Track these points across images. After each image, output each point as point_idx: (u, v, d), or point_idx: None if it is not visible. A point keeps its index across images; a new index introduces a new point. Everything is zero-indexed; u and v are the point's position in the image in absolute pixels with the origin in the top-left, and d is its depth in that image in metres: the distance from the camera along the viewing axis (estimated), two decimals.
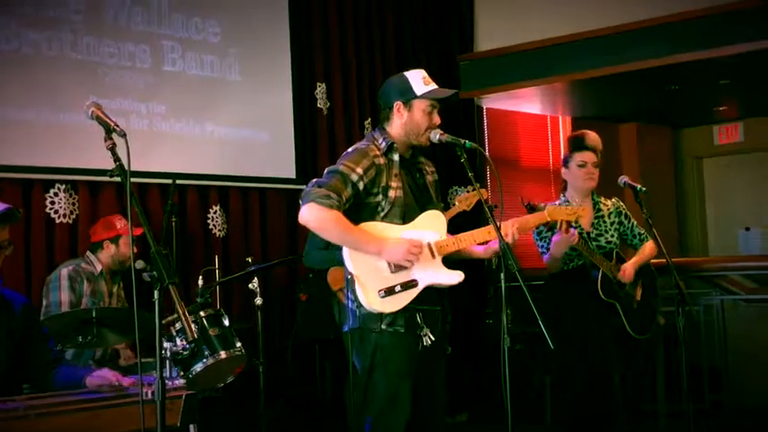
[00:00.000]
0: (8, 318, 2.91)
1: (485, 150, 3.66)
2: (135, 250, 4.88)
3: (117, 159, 2.48)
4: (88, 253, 4.85)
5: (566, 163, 4.35)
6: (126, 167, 2.44)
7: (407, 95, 3.39)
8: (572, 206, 3.95)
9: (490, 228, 3.43)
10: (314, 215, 3.23)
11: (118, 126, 2.51)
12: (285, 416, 5.31)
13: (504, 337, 3.12)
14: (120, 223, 4.85)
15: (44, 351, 3.02)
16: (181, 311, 2.33)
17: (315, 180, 3.32)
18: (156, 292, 2.33)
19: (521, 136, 8.34)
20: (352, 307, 3.32)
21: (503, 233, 3.27)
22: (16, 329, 2.93)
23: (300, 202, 3.30)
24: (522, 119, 8.36)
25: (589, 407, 4.22)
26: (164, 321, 4.35)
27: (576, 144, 4.34)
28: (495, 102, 7.78)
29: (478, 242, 3.43)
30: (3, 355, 2.86)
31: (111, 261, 4.81)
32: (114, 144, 2.50)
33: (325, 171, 3.34)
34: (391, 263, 3.26)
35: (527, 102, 8.02)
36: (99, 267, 4.79)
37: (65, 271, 4.67)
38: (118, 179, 2.49)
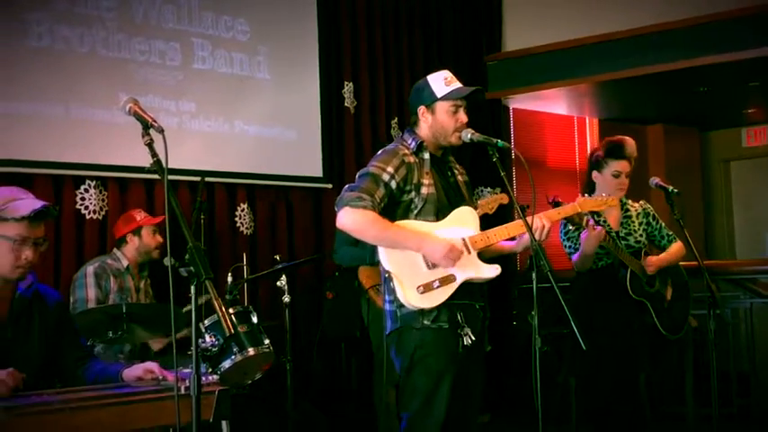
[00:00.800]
0: (43, 313, 2.93)
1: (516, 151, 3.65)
2: (161, 240, 4.93)
3: (155, 155, 2.49)
4: (114, 249, 4.90)
5: (598, 166, 4.28)
6: (163, 163, 2.45)
7: (429, 99, 3.43)
8: (601, 197, 3.94)
9: (517, 223, 3.43)
10: (350, 218, 3.26)
11: (155, 122, 2.52)
12: (312, 413, 5.31)
13: (536, 337, 3.12)
14: (140, 215, 4.90)
15: (76, 347, 3.03)
16: (218, 307, 2.34)
17: (347, 185, 3.36)
18: (192, 288, 2.34)
19: (547, 136, 8.31)
20: (392, 308, 3.33)
21: (534, 227, 3.27)
22: (50, 325, 2.95)
23: (336, 208, 3.33)
24: (548, 119, 8.33)
25: (615, 407, 4.20)
26: (183, 310, 4.40)
27: (615, 152, 4.26)
28: (521, 102, 7.76)
29: (512, 236, 3.45)
30: (37, 350, 2.88)
31: (137, 253, 4.85)
32: (152, 140, 2.51)
33: (357, 174, 3.39)
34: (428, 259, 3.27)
35: (553, 102, 8.00)
36: (125, 263, 4.83)
37: (90, 268, 4.71)
38: (148, 175, 2.50)
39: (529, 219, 3.27)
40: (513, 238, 3.47)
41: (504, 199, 4.21)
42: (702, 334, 5.36)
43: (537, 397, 3.10)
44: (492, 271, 3.36)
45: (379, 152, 3.44)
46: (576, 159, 8.53)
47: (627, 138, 4.36)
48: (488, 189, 7.03)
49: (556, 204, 3.72)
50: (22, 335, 2.85)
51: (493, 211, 4.28)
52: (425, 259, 3.28)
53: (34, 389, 2.62)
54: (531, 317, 6.48)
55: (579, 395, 5.77)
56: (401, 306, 3.28)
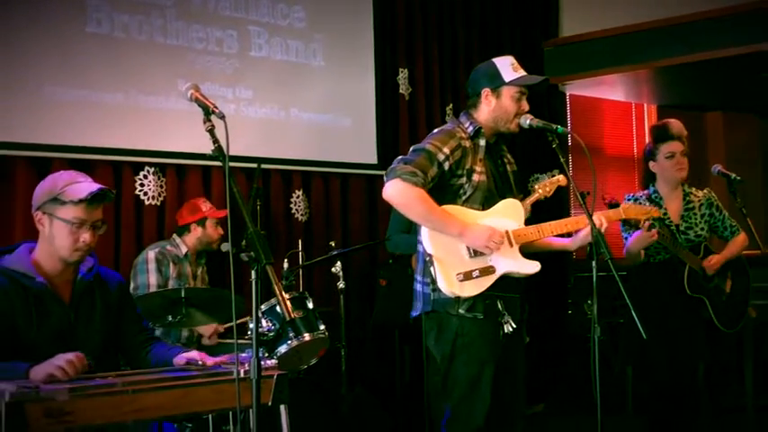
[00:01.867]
0: (104, 295, 2.97)
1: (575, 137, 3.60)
2: (222, 232, 4.99)
3: (216, 141, 2.51)
4: (174, 236, 4.96)
5: (652, 155, 4.21)
6: (225, 149, 2.47)
7: (496, 82, 3.38)
8: (645, 205, 3.92)
9: (571, 220, 3.40)
10: (399, 191, 3.21)
11: (216, 108, 2.54)
12: (365, 399, 5.34)
13: (595, 326, 3.08)
14: (206, 206, 4.94)
15: (139, 329, 3.07)
16: (278, 291, 2.35)
17: (400, 157, 3.30)
18: (253, 273, 2.35)
19: (605, 123, 8.20)
20: (426, 290, 3.30)
21: (588, 226, 3.23)
22: (112, 307, 2.98)
23: (384, 178, 3.28)
24: (606, 106, 8.22)
25: (672, 397, 4.14)
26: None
27: (661, 135, 4.20)
28: (578, 88, 7.67)
29: (557, 233, 3.40)
30: (99, 332, 2.92)
31: (198, 242, 4.91)
32: (213, 126, 2.53)
33: (411, 149, 3.33)
34: (470, 247, 3.24)
35: (611, 89, 7.88)
36: (184, 250, 4.89)
37: (152, 254, 4.77)
38: (205, 162, 2.52)
39: (590, 208, 3.22)
40: (561, 235, 3.43)
41: (563, 181, 4.15)
42: (763, 324, 5.25)
43: (596, 386, 3.07)
44: (532, 267, 3.32)
45: (436, 131, 3.40)
46: (634, 147, 8.40)
47: (670, 119, 4.30)
48: (543, 175, 6.96)
49: (612, 206, 3.67)
50: (85, 317, 2.89)
51: (550, 193, 4.24)
52: (468, 248, 3.25)
53: (98, 371, 2.66)
54: (588, 306, 6.46)
55: (635, 384, 5.71)
56: (436, 290, 3.24)
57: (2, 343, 2.70)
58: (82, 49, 4.96)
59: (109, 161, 5.06)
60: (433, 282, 3.24)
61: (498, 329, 3.28)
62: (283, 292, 2.38)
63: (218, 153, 2.47)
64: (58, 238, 2.82)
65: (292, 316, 2.51)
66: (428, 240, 3.24)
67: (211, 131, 2.51)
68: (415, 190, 3.18)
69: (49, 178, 2.90)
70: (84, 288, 2.92)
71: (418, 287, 3.36)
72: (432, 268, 3.21)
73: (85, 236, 2.83)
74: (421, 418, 4.92)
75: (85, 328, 2.88)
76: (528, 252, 3.35)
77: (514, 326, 3.29)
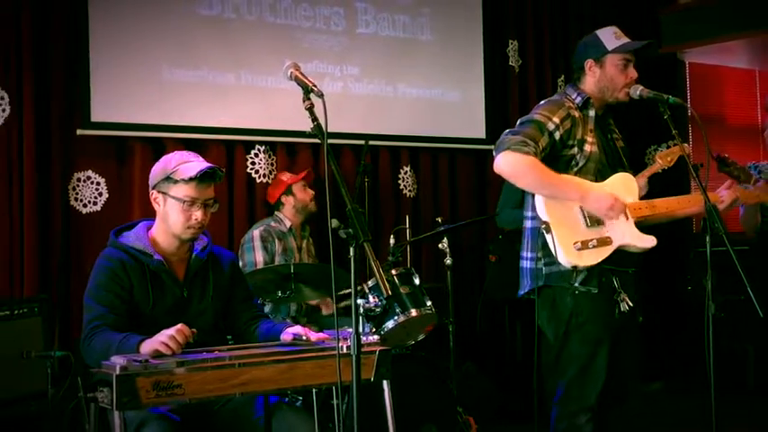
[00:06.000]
0: (217, 273, 3.05)
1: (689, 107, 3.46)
2: (312, 192, 5.05)
3: (315, 119, 2.52)
4: (276, 213, 5.06)
5: None
6: (323, 127, 2.47)
7: (598, 52, 3.29)
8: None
9: (690, 197, 3.27)
10: (510, 162, 3.12)
11: (316, 86, 2.55)
12: (475, 375, 5.32)
13: (709, 303, 2.97)
14: (285, 176, 5.08)
15: (249, 307, 3.13)
16: (376, 269, 2.35)
17: (508, 130, 3.23)
18: (351, 250, 2.36)
19: (726, 92, 7.84)
20: (534, 266, 3.24)
21: (721, 197, 3.10)
22: (224, 285, 3.05)
23: (494, 152, 3.21)
24: (728, 74, 7.85)
25: None
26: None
27: None
28: (698, 56, 7.35)
29: (672, 210, 3.28)
30: (211, 309, 2.99)
31: (295, 211, 5.01)
32: (312, 104, 2.54)
33: (519, 121, 3.26)
34: (588, 215, 3.15)
35: (734, 55, 7.52)
36: (288, 224, 4.98)
37: (257, 232, 4.88)
38: (313, 140, 2.53)
39: (703, 180, 3.10)
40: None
41: (686, 149, 3.99)
42: None
43: (709, 364, 2.97)
44: (649, 241, 3.23)
45: (543, 102, 3.32)
46: (759, 116, 8.00)
47: None
48: (659, 147, 6.72)
49: (720, 160, 3.50)
50: (198, 294, 2.97)
51: (672, 163, 4.09)
52: (585, 216, 3.17)
53: (208, 345, 2.73)
54: (706, 282, 6.23)
55: (756, 364, 5.51)
56: (549, 263, 3.18)
57: (123, 315, 2.81)
58: (195, 31, 5.09)
59: (221, 140, 5.18)
60: (545, 255, 3.18)
61: (614, 308, 3.20)
62: (381, 270, 2.37)
63: (317, 131, 2.49)
64: (172, 215, 2.91)
65: (389, 293, 2.49)
66: (543, 208, 3.17)
67: (310, 110, 2.53)
68: (527, 158, 3.10)
69: (163, 158, 2.99)
70: (199, 266, 3.00)
71: (525, 264, 3.31)
72: (548, 236, 3.13)
73: (197, 214, 2.90)
74: (531, 396, 4.87)
75: (198, 305, 2.96)
76: (647, 225, 3.26)
77: (631, 304, 3.20)
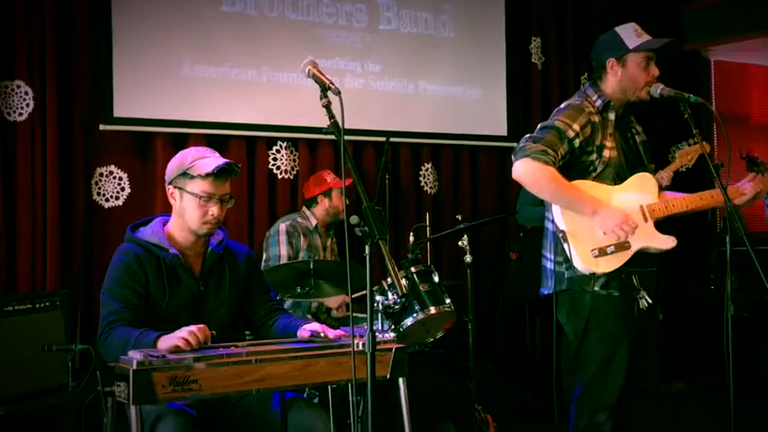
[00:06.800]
0: (233, 267, 3.06)
1: (711, 106, 3.42)
2: (347, 202, 5.04)
3: (332, 117, 2.53)
4: (303, 208, 5.05)
5: None
6: (340, 125, 2.48)
7: (620, 50, 3.26)
8: None
9: (709, 193, 3.24)
10: (528, 171, 3.14)
11: (333, 84, 2.55)
12: (493, 373, 5.31)
13: (728, 303, 2.94)
14: (330, 177, 5.01)
15: (266, 300, 3.14)
16: (390, 266, 2.36)
17: (528, 135, 3.23)
18: (366, 247, 2.37)
19: (753, 90, 7.76)
20: (558, 269, 3.24)
21: (742, 192, 3.07)
22: (240, 279, 3.07)
23: (513, 157, 3.22)
24: (754, 72, 7.77)
25: None
26: None
27: None
28: (724, 54, 7.28)
29: (691, 208, 3.26)
30: (229, 303, 3.01)
31: (326, 214, 4.99)
32: (329, 102, 2.55)
33: (539, 126, 3.25)
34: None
35: (759, 53, 7.44)
36: (314, 222, 4.97)
37: (283, 226, 4.88)
38: (333, 137, 2.54)
39: (724, 180, 3.07)
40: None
41: (706, 147, 3.95)
42: None
43: (728, 366, 2.94)
44: (669, 242, 3.21)
45: (563, 106, 3.30)
46: None
47: None
48: (679, 145, 6.66)
49: (749, 160, 3.47)
50: (214, 289, 2.99)
51: (692, 162, 4.06)
52: None
53: (224, 341, 2.75)
54: (726, 282, 6.16)
55: None
56: (570, 268, 3.17)
57: (139, 309, 2.83)
58: (217, 28, 5.11)
59: (243, 136, 5.20)
60: (566, 260, 3.18)
61: (633, 305, 3.19)
62: (396, 268, 2.38)
63: (334, 128, 2.50)
64: (188, 211, 2.93)
65: (404, 291, 2.50)
66: (560, 217, 3.18)
67: (328, 107, 2.54)
68: (546, 168, 3.11)
69: (179, 154, 3.01)
70: (214, 260, 3.02)
71: (548, 265, 3.31)
72: (565, 245, 3.15)
73: (214, 209, 2.92)
74: (550, 394, 4.85)
75: (214, 299, 2.98)
76: (676, 218, 3.25)
77: (650, 301, 3.19)
